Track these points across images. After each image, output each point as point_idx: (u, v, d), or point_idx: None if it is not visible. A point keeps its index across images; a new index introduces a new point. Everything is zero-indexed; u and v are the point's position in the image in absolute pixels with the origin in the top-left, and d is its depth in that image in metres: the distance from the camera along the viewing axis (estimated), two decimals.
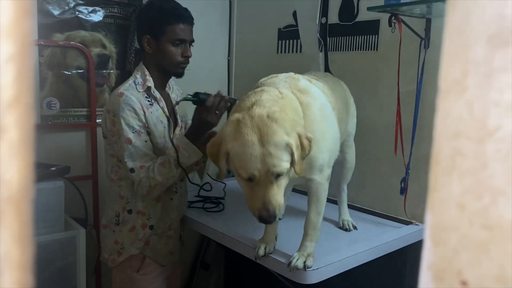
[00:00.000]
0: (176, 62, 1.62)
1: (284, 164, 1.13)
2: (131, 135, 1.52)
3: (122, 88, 1.57)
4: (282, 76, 1.35)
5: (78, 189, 1.99)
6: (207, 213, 1.86)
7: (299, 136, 1.15)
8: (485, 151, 0.24)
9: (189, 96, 1.57)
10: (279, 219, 1.30)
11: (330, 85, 1.50)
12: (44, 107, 2.00)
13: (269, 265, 1.42)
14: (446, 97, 0.25)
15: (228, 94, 2.60)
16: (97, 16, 2.10)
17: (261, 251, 1.40)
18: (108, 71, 2.16)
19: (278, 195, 1.15)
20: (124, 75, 2.19)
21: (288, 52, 2.27)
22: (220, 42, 2.59)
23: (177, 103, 1.72)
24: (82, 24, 2.06)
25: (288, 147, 1.13)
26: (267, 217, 1.14)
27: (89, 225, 2.05)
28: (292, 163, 1.15)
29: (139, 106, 1.55)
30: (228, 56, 2.62)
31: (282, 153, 1.12)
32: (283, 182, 1.17)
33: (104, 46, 2.14)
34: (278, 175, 1.14)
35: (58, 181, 1.78)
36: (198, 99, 1.55)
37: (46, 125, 2.01)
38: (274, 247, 1.43)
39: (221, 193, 2.03)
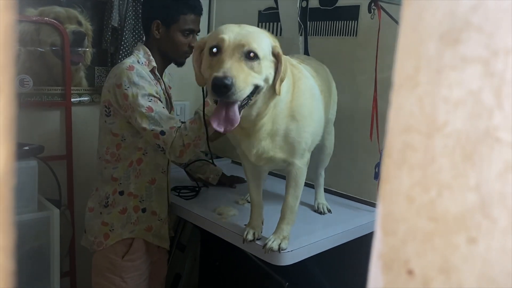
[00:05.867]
0: (182, 51, 1.61)
1: (258, 48, 1.11)
2: (150, 103, 1.49)
3: (128, 63, 1.54)
4: None
5: (52, 169, 1.96)
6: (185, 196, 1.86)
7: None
8: (433, 145, 0.24)
9: None
10: (240, 102, 1.12)
11: (315, 69, 1.51)
12: (17, 85, 1.94)
13: (245, 247, 1.43)
14: (399, 91, 0.25)
15: None
16: None
17: (250, 236, 1.39)
18: (83, 49, 2.10)
19: (241, 71, 1.08)
20: (100, 54, 2.14)
21: None
22: None
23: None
24: None
25: (273, 53, 1.15)
26: (222, 78, 1.04)
27: (63, 206, 2.02)
28: (276, 76, 1.16)
29: (150, 78, 1.54)
30: None
31: (262, 41, 1.13)
32: (252, 72, 1.11)
33: (79, 23, 2.08)
34: (248, 54, 1.10)
35: (32, 161, 1.75)
36: None
37: (19, 103, 1.95)
38: (261, 232, 1.43)
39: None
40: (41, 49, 1.99)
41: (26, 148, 1.76)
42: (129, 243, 1.64)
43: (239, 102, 1.11)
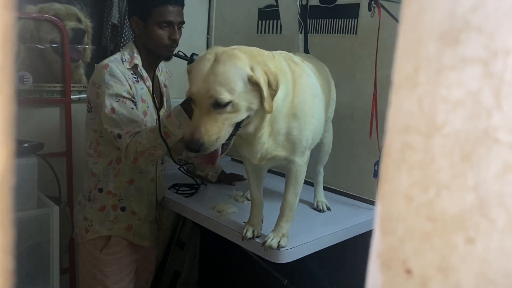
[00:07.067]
0: (163, 45, 1.58)
1: (226, 94, 1.08)
2: (115, 104, 1.49)
3: (107, 61, 1.56)
4: (277, 51, 1.36)
5: (51, 166, 1.96)
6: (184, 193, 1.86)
7: (266, 73, 1.12)
8: (432, 145, 0.24)
9: (183, 54, 1.54)
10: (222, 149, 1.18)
11: (316, 67, 1.51)
12: (16, 81, 1.94)
13: (244, 244, 1.44)
14: (399, 91, 0.25)
15: None
16: None
17: (249, 234, 1.39)
18: (83, 46, 2.10)
19: (212, 125, 1.09)
20: (100, 51, 2.13)
21: (268, 32, 2.24)
22: (199, 19, 2.55)
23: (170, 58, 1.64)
24: None
25: (251, 82, 1.10)
26: (189, 142, 1.10)
27: (62, 203, 2.02)
28: (262, 100, 1.12)
29: (124, 78, 1.54)
30: (208, 34, 2.58)
31: (232, 81, 1.09)
32: (227, 116, 1.11)
33: (79, 20, 2.07)
34: (217, 104, 1.09)
35: (31, 158, 1.75)
36: (191, 59, 1.48)
37: (18, 100, 1.95)
38: (261, 230, 1.43)
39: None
40: (40, 46, 1.99)
41: (26, 145, 1.76)
42: (107, 238, 1.67)
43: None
